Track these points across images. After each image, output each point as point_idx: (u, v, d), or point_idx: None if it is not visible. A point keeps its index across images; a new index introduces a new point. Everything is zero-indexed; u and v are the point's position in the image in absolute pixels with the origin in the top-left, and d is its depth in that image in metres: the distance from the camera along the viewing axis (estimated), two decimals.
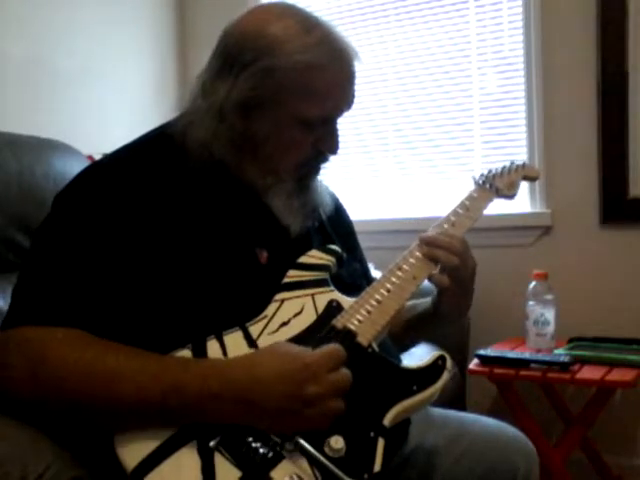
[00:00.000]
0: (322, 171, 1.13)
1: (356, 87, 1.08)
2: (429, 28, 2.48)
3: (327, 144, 1.07)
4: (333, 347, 0.91)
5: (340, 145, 1.09)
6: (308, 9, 1.07)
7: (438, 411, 1.20)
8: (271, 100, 1.01)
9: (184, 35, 2.81)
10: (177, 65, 2.78)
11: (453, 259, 1.07)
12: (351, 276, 1.14)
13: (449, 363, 1.00)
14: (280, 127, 1.02)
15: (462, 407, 2.07)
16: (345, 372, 0.90)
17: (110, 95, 2.46)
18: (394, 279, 1.06)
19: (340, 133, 1.09)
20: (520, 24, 2.33)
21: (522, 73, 2.34)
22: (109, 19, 2.46)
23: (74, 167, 1.67)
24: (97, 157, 1.87)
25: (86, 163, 1.74)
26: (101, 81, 2.42)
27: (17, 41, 2.13)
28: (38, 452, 0.88)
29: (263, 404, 0.86)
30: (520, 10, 2.33)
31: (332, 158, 1.11)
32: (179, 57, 2.79)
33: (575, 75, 2.24)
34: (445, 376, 0.99)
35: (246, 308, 0.98)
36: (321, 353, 0.90)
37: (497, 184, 1.26)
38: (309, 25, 1.02)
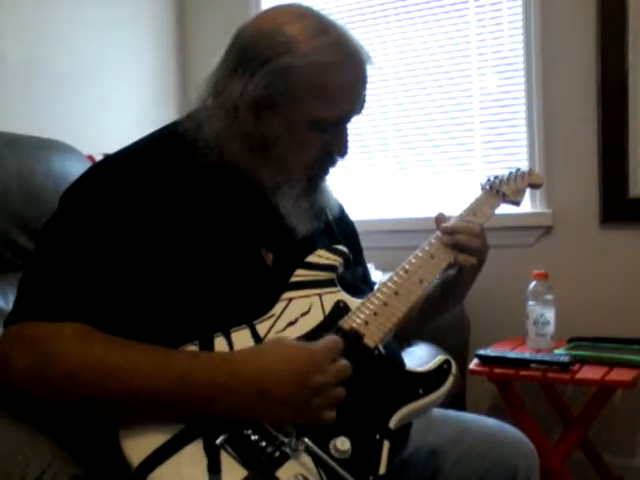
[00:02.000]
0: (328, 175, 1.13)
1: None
2: (429, 28, 2.48)
3: (337, 146, 1.07)
4: (333, 338, 0.94)
5: (349, 148, 1.09)
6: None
7: (438, 411, 1.20)
8: (285, 99, 1.01)
9: (184, 35, 2.81)
10: (177, 65, 2.78)
11: (475, 241, 1.12)
12: (353, 278, 1.15)
13: (454, 368, 1.01)
14: (292, 127, 1.02)
15: (462, 407, 2.07)
16: (344, 362, 0.91)
17: (110, 95, 2.46)
18: (401, 281, 1.07)
19: (349, 136, 1.09)
20: (520, 24, 2.33)
21: (522, 73, 2.34)
22: (109, 19, 2.46)
23: (74, 167, 1.67)
24: (97, 157, 1.87)
25: (86, 163, 1.74)
26: (101, 81, 2.42)
27: (16, 41, 2.13)
28: (38, 452, 0.89)
29: (270, 394, 0.87)
30: (520, 10, 2.33)
31: (337, 162, 1.11)
32: (179, 57, 2.79)
33: (575, 75, 2.24)
34: (450, 380, 1.00)
35: (253, 307, 0.99)
36: (323, 344, 0.92)
37: (504, 190, 1.27)
38: (325, 26, 1.03)
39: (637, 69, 2.15)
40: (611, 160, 2.19)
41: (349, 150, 1.09)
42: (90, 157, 1.89)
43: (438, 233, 1.15)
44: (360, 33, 2.54)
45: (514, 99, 2.37)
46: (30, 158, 1.64)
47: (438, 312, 1.26)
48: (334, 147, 1.07)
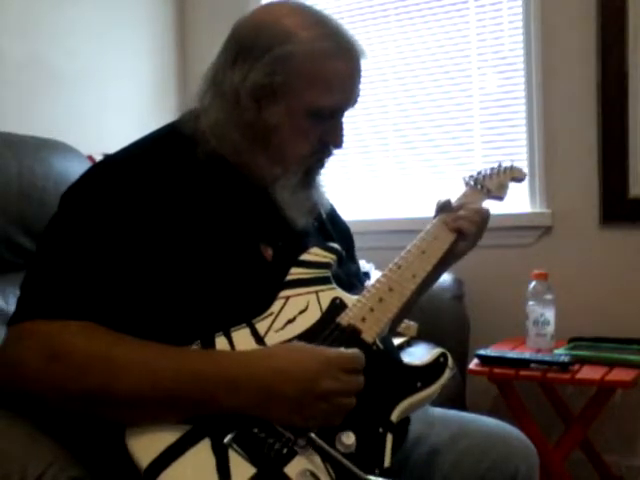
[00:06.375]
0: (324, 169, 1.14)
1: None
2: (429, 28, 2.48)
3: (333, 137, 1.09)
4: (354, 351, 0.94)
5: (344, 140, 1.11)
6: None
7: (438, 411, 1.20)
8: (286, 87, 1.02)
9: (184, 35, 2.81)
10: (177, 65, 2.78)
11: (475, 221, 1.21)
12: (346, 275, 1.16)
13: (450, 360, 1.03)
14: (292, 116, 1.04)
15: (462, 407, 2.06)
16: (360, 378, 0.92)
17: (110, 95, 2.46)
18: (394, 277, 1.09)
19: (345, 128, 1.11)
20: (520, 24, 2.33)
21: (522, 73, 2.34)
22: (109, 19, 2.46)
23: (74, 167, 1.67)
24: (97, 157, 1.87)
25: (86, 163, 1.74)
26: (101, 81, 2.42)
27: (17, 41, 2.13)
28: (38, 452, 0.89)
29: (278, 393, 0.88)
30: (520, 10, 2.33)
31: (333, 154, 1.12)
32: (179, 57, 2.79)
33: (575, 75, 2.24)
34: (447, 373, 1.02)
35: (252, 304, 0.99)
36: (342, 352, 0.92)
37: (487, 185, 1.29)
38: (321, 18, 1.06)
39: (637, 70, 2.15)
40: (611, 160, 2.19)
41: (344, 142, 1.10)
42: (90, 157, 1.89)
43: (428, 227, 1.18)
44: (360, 33, 2.53)
45: (514, 99, 2.37)
46: (30, 158, 1.64)
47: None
48: (330, 138, 1.08)
